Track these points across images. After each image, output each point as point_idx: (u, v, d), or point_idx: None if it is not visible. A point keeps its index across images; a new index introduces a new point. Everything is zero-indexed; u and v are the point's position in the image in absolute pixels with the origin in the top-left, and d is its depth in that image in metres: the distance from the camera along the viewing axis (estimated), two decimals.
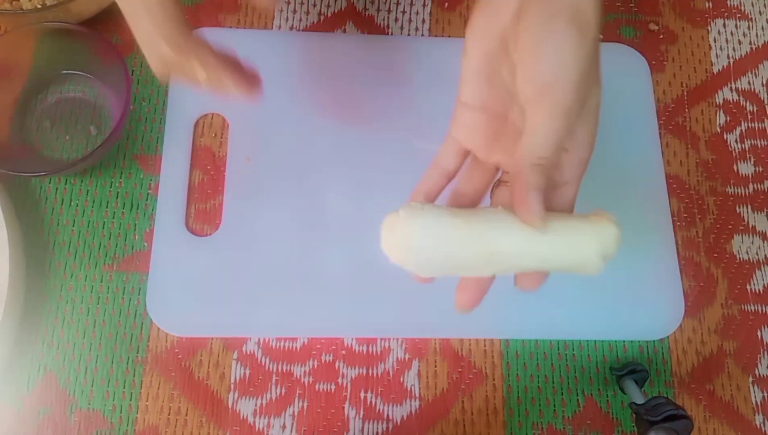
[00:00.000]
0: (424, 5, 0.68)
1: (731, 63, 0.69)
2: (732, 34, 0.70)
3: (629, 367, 0.56)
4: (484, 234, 0.37)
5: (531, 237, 0.37)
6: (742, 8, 0.72)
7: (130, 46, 0.63)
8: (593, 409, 0.57)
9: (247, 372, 0.56)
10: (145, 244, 0.58)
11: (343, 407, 0.56)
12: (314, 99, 0.62)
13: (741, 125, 0.67)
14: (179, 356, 0.56)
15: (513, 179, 0.38)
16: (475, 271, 0.39)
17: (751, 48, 0.70)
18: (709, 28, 0.70)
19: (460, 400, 0.57)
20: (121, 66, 0.56)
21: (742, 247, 0.63)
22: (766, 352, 0.60)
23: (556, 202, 0.40)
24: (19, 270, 0.54)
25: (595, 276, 0.57)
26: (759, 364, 0.60)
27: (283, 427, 0.55)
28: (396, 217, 0.37)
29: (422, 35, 0.67)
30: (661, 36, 0.70)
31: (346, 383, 0.56)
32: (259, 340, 0.57)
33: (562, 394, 0.58)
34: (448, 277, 0.40)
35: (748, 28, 0.71)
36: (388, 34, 0.67)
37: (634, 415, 0.53)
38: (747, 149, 0.66)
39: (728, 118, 0.67)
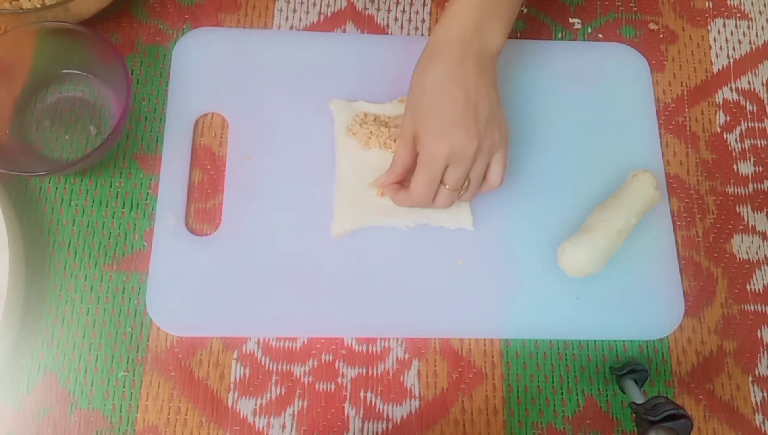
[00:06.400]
0: (423, 5, 0.68)
1: (731, 63, 0.69)
2: (732, 33, 0.70)
3: (629, 366, 0.56)
4: (611, 233, 0.56)
5: (624, 206, 0.57)
6: (742, 8, 0.72)
7: (130, 46, 0.63)
8: (593, 409, 0.57)
9: (247, 372, 0.56)
10: (145, 243, 0.58)
11: (343, 407, 0.56)
12: (314, 98, 0.63)
13: (741, 125, 0.67)
14: (179, 356, 0.56)
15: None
16: (611, 250, 0.57)
17: (751, 48, 0.70)
18: (709, 27, 0.70)
19: (460, 399, 0.57)
20: (121, 66, 0.56)
21: (742, 246, 0.63)
22: (766, 352, 0.60)
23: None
24: (19, 270, 0.54)
25: (595, 275, 0.58)
26: (759, 364, 0.60)
27: (283, 426, 0.55)
28: (563, 248, 0.57)
29: (422, 35, 0.67)
30: (661, 36, 0.70)
31: (346, 383, 0.56)
32: (259, 339, 0.57)
33: (562, 393, 0.58)
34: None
35: (748, 27, 0.71)
36: (387, 33, 0.67)
37: (634, 415, 0.53)
38: (747, 149, 0.66)
39: (728, 118, 0.67)
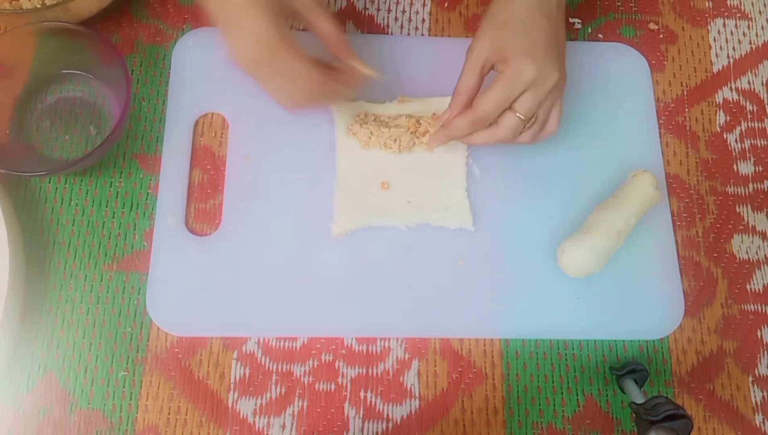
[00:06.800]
0: (423, 5, 0.68)
1: (731, 62, 0.69)
2: (732, 33, 0.70)
3: (629, 366, 0.56)
4: (611, 232, 0.56)
5: (624, 206, 0.57)
6: (742, 8, 0.72)
7: (130, 46, 0.63)
8: (593, 409, 0.57)
9: (247, 372, 0.56)
10: (145, 243, 0.58)
11: (343, 407, 0.56)
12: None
13: (741, 125, 0.67)
14: (179, 356, 0.56)
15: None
16: (611, 250, 0.57)
17: (751, 47, 0.70)
18: (709, 27, 0.70)
19: (460, 399, 0.57)
20: (120, 66, 0.56)
21: (742, 246, 0.63)
22: (766, 352, 0.60)
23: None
24: (19, 270, 0.54)
25: (595, 275, 0.58)
26: (759, 364, 0.60)
27: (283, 426, 0.55)
28: (563, 248, 0.57)
29: (422, 35, 0.67)
30: (661, 36, 0.70)
31: (346, 383, 0.56)
32: (259, 339, 0.57)
33: (562, 393, 0.58)
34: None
35: (748, 27, 0.71)
36: (387, 33, 0.67)
37: (634, 415, 0.53)
38: (747, 149, 0.66)
39: (728, 118, 0.67)
